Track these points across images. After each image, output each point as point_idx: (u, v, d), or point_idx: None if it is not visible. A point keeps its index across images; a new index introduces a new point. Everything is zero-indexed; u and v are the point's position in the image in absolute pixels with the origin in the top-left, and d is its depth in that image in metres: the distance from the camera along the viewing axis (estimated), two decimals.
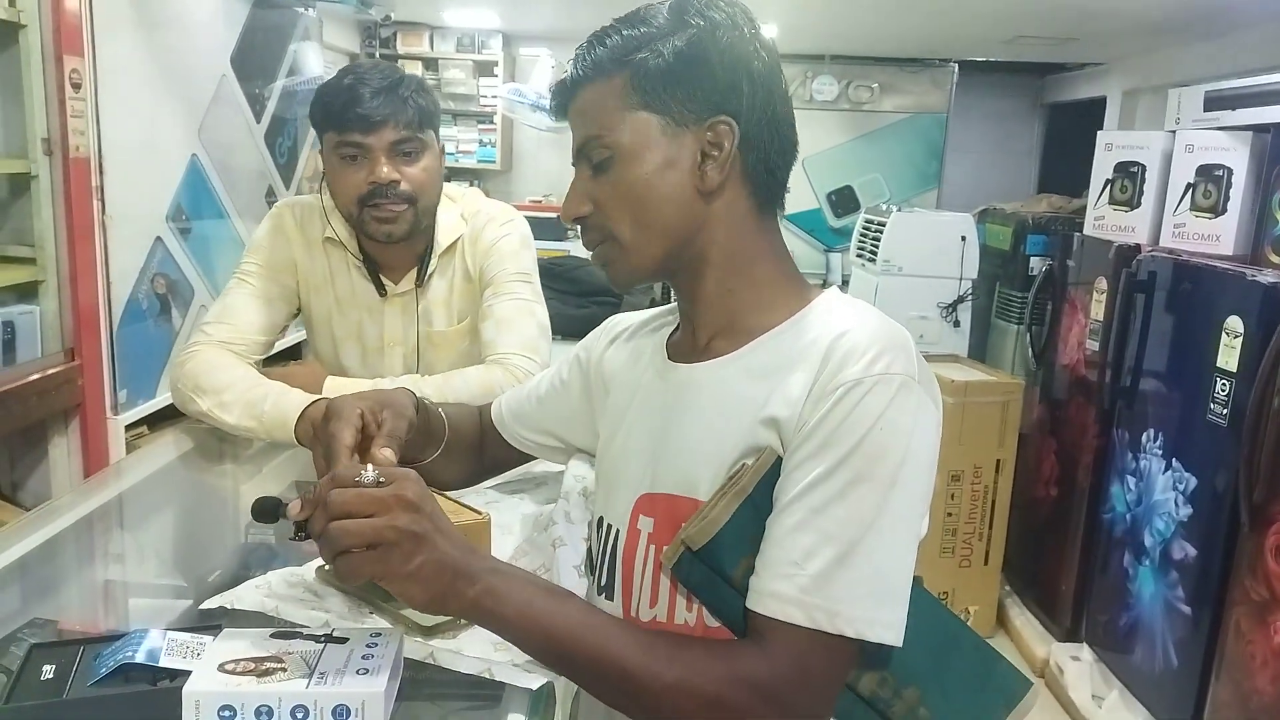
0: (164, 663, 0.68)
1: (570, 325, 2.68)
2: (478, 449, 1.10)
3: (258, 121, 2.78)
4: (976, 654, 0.87)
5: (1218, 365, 2.27)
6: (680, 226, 0.84)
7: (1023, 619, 3.21)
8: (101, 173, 1.98)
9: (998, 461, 3.12)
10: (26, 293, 1.93)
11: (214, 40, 2.47)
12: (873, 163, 4.59)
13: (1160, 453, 2.50)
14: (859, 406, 0.75)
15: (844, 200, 4.58)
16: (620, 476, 0.90)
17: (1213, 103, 2.78)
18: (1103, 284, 2.84)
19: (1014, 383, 3.15)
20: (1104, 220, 3.03)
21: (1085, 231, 3.11)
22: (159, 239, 2.24)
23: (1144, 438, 2.58)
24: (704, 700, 0.73)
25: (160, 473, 1.44)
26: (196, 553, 1.33)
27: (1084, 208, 3.21)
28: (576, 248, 3.75)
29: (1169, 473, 2.45)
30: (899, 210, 3.64)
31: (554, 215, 4.06)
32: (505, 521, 1.04)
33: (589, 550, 0.92)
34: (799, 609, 0.73)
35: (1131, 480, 2.63)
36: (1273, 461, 2.04)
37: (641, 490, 0.87)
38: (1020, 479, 3.20)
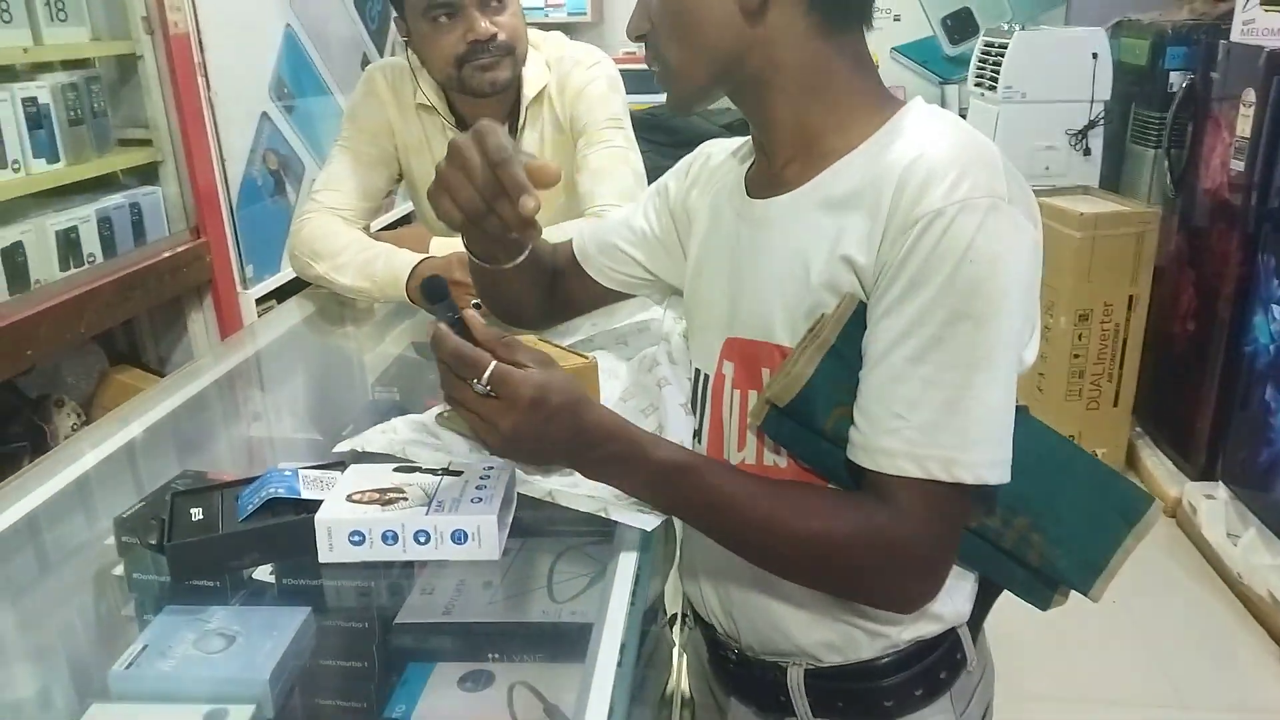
0: (304, 495, 0.73)
1: None
2: (549, 281, 1.08)
3: None
4: (1091, 475, 0.85)
5: None
6: (724, 49, 0.78)
7: (1154, 459, 3.11)
8: (202, 49, 2.01)
9: (1130, 298, 2.96)
10: (147, 174, 2.01)
11: None
12: None
13: None
14: (944, 239, 0.69)
15: (961, 24, 4.25)
16: (705, 320, 0.89)
17: None
18: (1250, 95, 2.58)
19: (1150, 212, 2.94)
20: (1254, 23, 2.73)
21: (1233, 38, 2.81)
22: (265, 114, 2.29)
23: None
24: (837, 551, 0.75)
25: (287, 335, 1.52)
26: (327, 410, 1.40)
27: (1231, 11, 2.88)
28: None
29: None
30: (1022, 29, 3.37)
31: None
32: (610, 366, 1.05)
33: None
34: (912, 462, 0.71)
35: (1277, 309, 2.46)
36: None
37: (725, 334, 0.85)
38: (1155, 315, 3.04)
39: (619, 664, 0.69)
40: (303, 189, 2.47)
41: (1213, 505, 2.74)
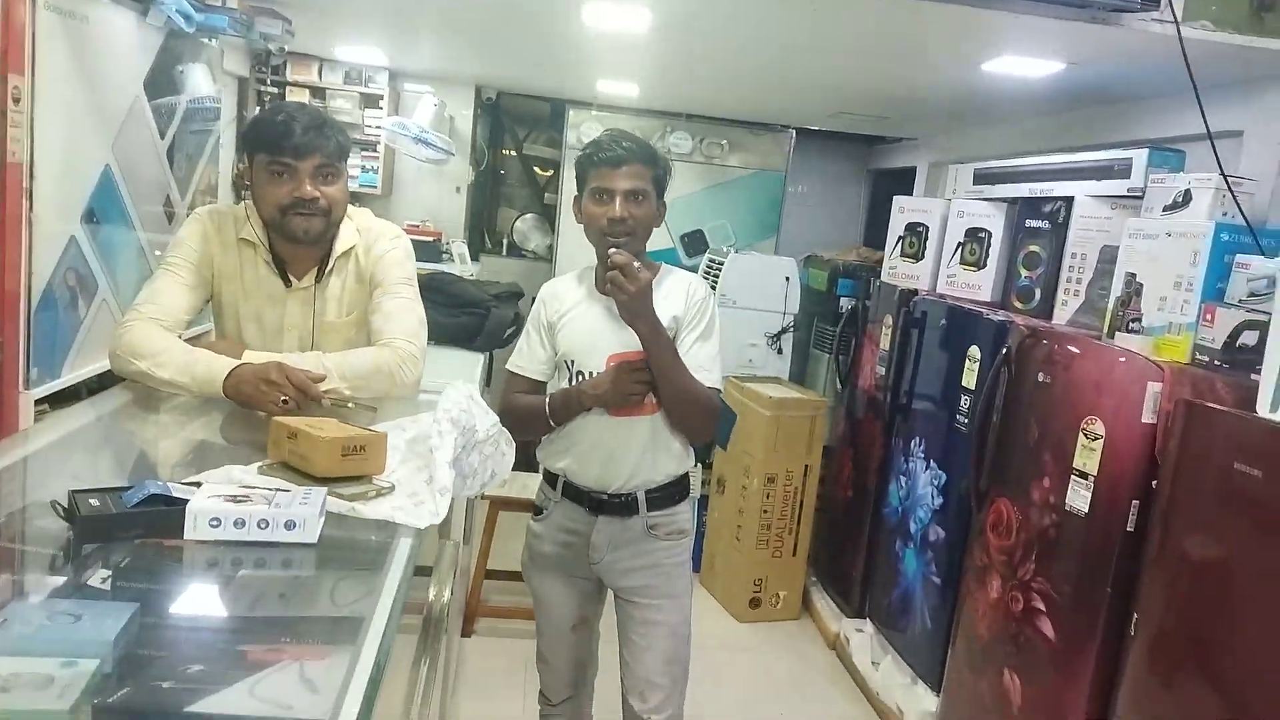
0: (174, 494, 1.05)
1: (444, 332, 3.08)
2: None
3: (161, 138, 3.07)
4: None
5: (963, 384, 2.88)
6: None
7: (822, 601, 3.77)
8: (32, 177, 2.26)
9: (805, 467, 3.67)
10: None
11: (131, 64, 2.76)
12: (722, 210, 5.16)
13: (923, 456, 3.09)
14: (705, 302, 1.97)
15: (695, 241, 5.13)
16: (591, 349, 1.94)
17: (980, 178, 3.45)
18: (889, 320, 3.44)
19: (820, 401, 3.73)
20: (896, 269, 3.66)
21: (882, 278, 3.73)
22: (73, 238, 2.51)
23: (913, 444, 3.17)
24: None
25: (93, 424, 1.76)
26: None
27: (882, 259, 3.84)
28: (449, 267, 4.13)
29: (928, 471, 3.04)
30: (736, 253, 4.20)
31: (431, 239, 4.43)
32: (393, 442, 1.44)
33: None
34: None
35: (903, 479, 3.22)
36: (992, 458, 2.63)
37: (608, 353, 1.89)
38: (825, 482, 3.77)
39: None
40: (94, 305, 2.66)
41: (861, 638, 3.37)
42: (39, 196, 2.31)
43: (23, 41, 2.19)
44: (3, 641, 1.01)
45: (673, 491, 1.99)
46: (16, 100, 2.19)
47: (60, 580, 1.12)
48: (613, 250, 1.83)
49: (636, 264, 1.81)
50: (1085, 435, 2.25)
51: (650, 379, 1.86)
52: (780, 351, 4.07)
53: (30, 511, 1.28)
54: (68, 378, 2.50)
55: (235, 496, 1.07)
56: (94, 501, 1.04)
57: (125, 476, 1.65)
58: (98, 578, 1.12)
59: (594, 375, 1.92)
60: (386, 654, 1.06)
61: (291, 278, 1.95)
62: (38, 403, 2.44)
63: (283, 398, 1.62)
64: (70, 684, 0.92)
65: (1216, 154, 2.46)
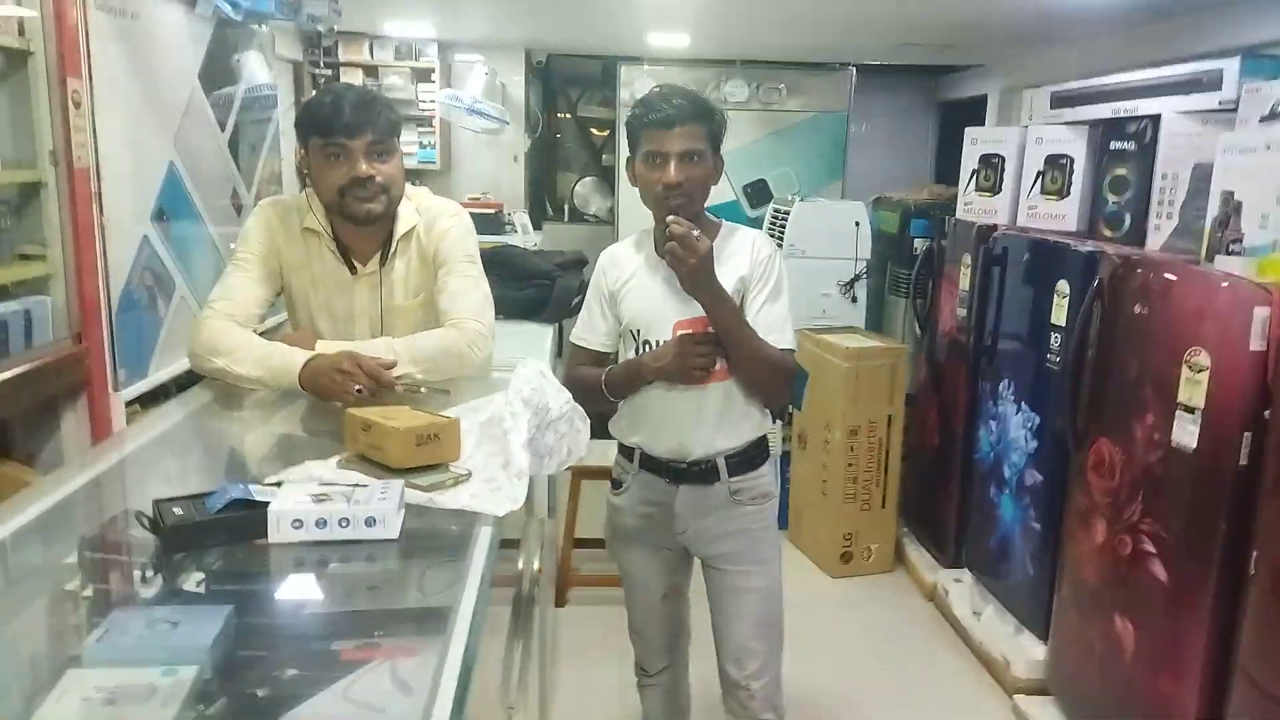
0: (256, 498, 1.05)
1: (511, 306, 3.06)
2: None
3: (222, 130, 3.09)
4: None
5: (1051, 322, 2.74)
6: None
7: (916, 552, 3.69)
8: (99, 180, 2.29)
9: (889, 417, 3.58)
10: (38, 286, 2.23)
11: (185, 58, 2.77)
12: (783, 157, 5.02)
13: (1013, 398, 2.97)
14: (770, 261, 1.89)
15: (758, 192, 5.01)
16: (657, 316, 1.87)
17: (1058, 101, 3.26)
18: (968, 260, 3.30)
19: (899, 348, 3.62)
20: (972, 205, 3.51)
21: (957, 215, 3.58)
22: (145, 237, 2.55)
23: (1001, 387, 3.05)
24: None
25: (187, 419, 1.78)
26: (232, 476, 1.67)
27: (956, 194, 3.68)
28: (512, 238, 4.11)
29: (1019, 414, 2.92)
30: (801, 200, 4.08)
31: (492, 210, 4.42)
32: (466, 426, 1.42)
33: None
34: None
35: (993, 424, 3.10)
36: (1089, 396, 2.51)
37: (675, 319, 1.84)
38: (910, 431, 3.67)
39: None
40: (172, 303, 2.71)
41: (960, 588, 3.29)
42: (109, 199, 2.34)
43: (77, 44, 2.20)
44: (105, 652, 1.02)
45: (752, 455, 1.93)
46: (78, 104, 2.21)
47: (156, 587, 1.13)
48: (671, 219, 1.74)
49: (696, 231, 1.73)
50: (1189, 367, 2.11)
51: (716, 350, 1.80)
52: (854, 300, 3.96)
53: (126, 519, 1.30)
54: (154, 377, 2.55)
55: (316, 495, 1.06)
56: (178, 510, 1.04)
57: (214, 475, 1.68)
58: (192, 581, 1.13)
59: (661, 344, 1.86)
60: (475, 647, 1.04)
61: (356, 264, 1.93)
62: (129, 404, 2.50)
63: (357, 387, 1.61)
64: (172, 693, 0.92)
65: None
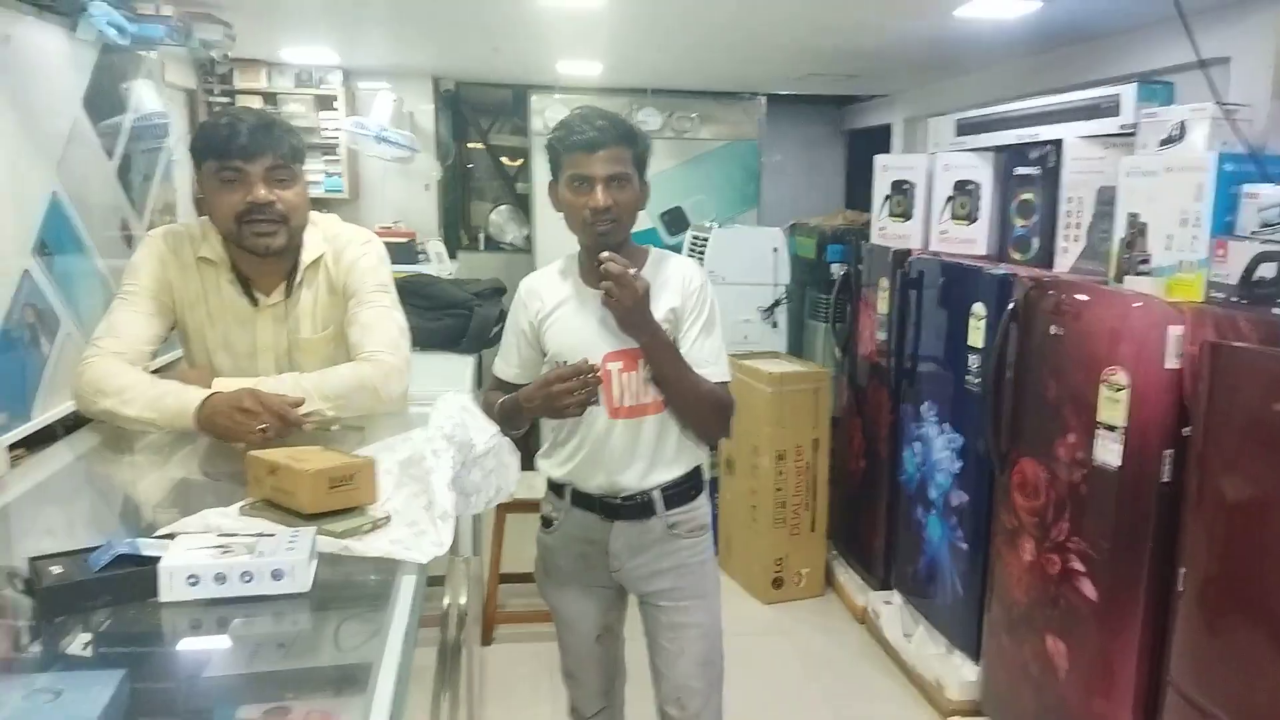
0: (144, 553, 0.93)
1: (428, 337, 2.94)
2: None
3: (109, 159, 2.91)
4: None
5: (969, 344, 2.77)
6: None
7: (846, 575, 3.67)
8: None
9: (815, 441, 3.57)
10: None
11: (67, 83, 2.60)
12: (698, 185, 5.03)
13: (935, 420, 2.99)
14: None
15: (675, 219, 5.00)
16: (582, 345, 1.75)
17: (963, 128, 3.34)
18: (885, 283, 3.33)
19: (822, 372, 3.62)
20: (885, 230, 3.55)
21: (872, 240, 3.62)
22: (26, 272, 2.36)
23: (923, 409, 3.06)
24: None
25: (72, 465, 1.63)
26: (124, 523, 1.52)
27: (869, 220, 3.73)
28: (427, 267, 3.99)
29: (942, 435, 2.94)
30: (719, 227, 4.08)
31: (405, 239, 4.29)
32: (385, 466, 1.31)
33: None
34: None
35: (917, 445, 3.12)
36: (1010, 417, 2.53)
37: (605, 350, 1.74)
38: (836, 455, 3.67)
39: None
40: (57, 341, 2.51)
41: (890, 610, 3.28)
42: None
43: None
44: None
45: (688, 487, 1.87)
46: None
47: (37, 652, 0.99)
48: (605, 256, 1.66)
49: (633, 270, 1.66)
50: (1108, 386, 2.14)
51: (587, 383, 1.70)
52: (775, 325, 3.96)
53: (1, 578, 1.15)
54: (38, 420, 2.36)
55: (216, 547, 0.94)
56: (56, 569, 0.92)
57: (103, 526, 1.53)
58: (78, 644, 1.00)
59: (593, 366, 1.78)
60: (402, 705, 0.94)
61: (258, 295, 1.81)
62: (12, 448, 2.30)
63: (260, 426, 1.49)
64: None
65: (1211, 81, 2.36)
